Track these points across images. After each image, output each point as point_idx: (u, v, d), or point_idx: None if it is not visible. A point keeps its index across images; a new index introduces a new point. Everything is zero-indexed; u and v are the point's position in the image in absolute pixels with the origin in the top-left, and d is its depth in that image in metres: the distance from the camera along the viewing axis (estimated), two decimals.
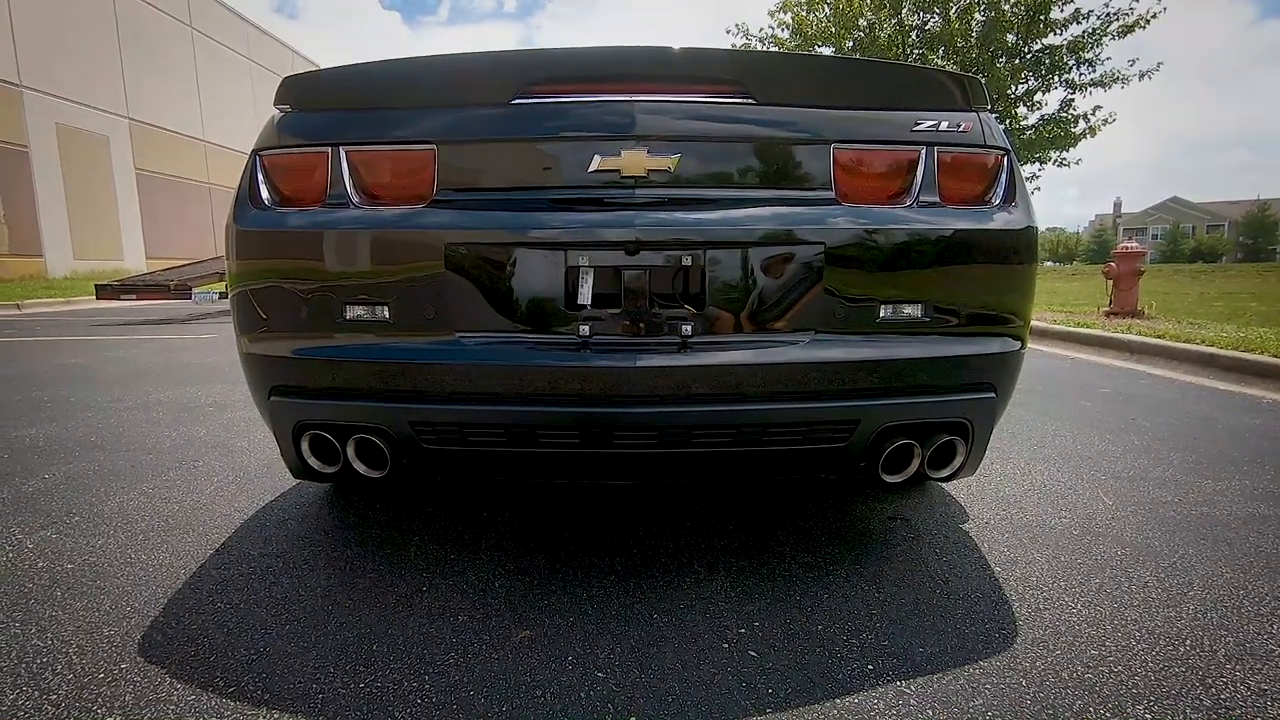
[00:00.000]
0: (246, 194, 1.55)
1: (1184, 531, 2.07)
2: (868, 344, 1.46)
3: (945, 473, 1.60)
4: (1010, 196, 1.56)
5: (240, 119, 25.11)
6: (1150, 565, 1.85)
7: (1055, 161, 15.40)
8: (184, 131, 23.34)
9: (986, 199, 1.55)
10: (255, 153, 1.57)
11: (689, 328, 1.41)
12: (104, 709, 1.26)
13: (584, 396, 1.41)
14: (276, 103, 1.60)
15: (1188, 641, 1.48)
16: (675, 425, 1.43)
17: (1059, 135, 14.99)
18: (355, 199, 1.46)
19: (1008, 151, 1.59)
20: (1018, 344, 1.57)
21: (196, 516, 2.19)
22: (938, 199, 1.50)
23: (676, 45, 1.43)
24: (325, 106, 1.54)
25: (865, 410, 1.46)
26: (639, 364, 1.39)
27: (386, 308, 1.43)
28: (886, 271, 1.46)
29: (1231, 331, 6.13)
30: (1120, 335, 6.11)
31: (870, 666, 1.38)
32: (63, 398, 4.05)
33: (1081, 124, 14.98)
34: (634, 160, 1.38)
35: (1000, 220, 1.52)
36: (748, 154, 1.46)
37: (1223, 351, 5.03)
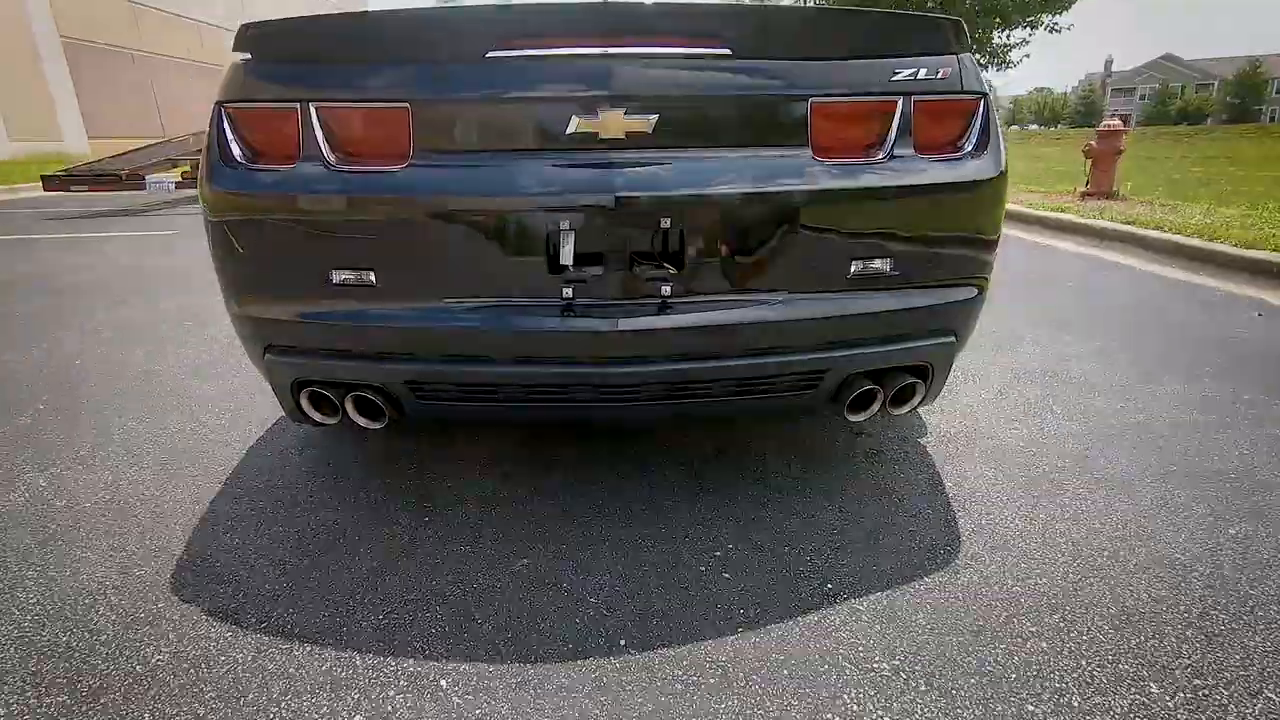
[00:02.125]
0: (216, 150, 1.52)
1: (1120, 441, 2.27)
2: (839, 299, 1.53)
3: (905, 409, 1.73)
4: (983, 143, 1.58)
5: None
6: (1085, 478, 2.05)
7: (1047, 27, 14.71)
8: None
9: (960, 146, 1.57)
10: (219, 104, 1.52)
11: (668, 288, 1.47)
12: (151, 648, 1.41)
13: (567, 357, 1.49)
14: (235, 49, 1.52)
15: (1105, 552, 1.69)
16: (654, 382, 1.52)
17: None
18: (330, 159, 1.44)
19: (984, 95, 1.59)
20: (979, 291, 1.66)
21: (199, 448, 2.29)
22: (912, 150, 1.51)
23: (657, 6, 1.38)
24: (290, 58, 1.47)
25: (834, 360, 1.56)
26: (620, 325, 1.46)
27: (370, 273, 1.46)
28: (860, 227, 1.50)
29: (1199, 216, 6.23)
30: (1092, 221, 6.19)
31: (829, 586, 1.57)
32: (36, 314, 4.01)
33: None
34: (612, 120, 1.37)
35: (972, 170, 1.55)
36: (726, 112, 1.44)
37: (1187, 241, 5.15)
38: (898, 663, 1.35)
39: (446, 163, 1.42)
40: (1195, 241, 5.09)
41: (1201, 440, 2.26)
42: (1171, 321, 3.64)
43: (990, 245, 1.64)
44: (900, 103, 1.50)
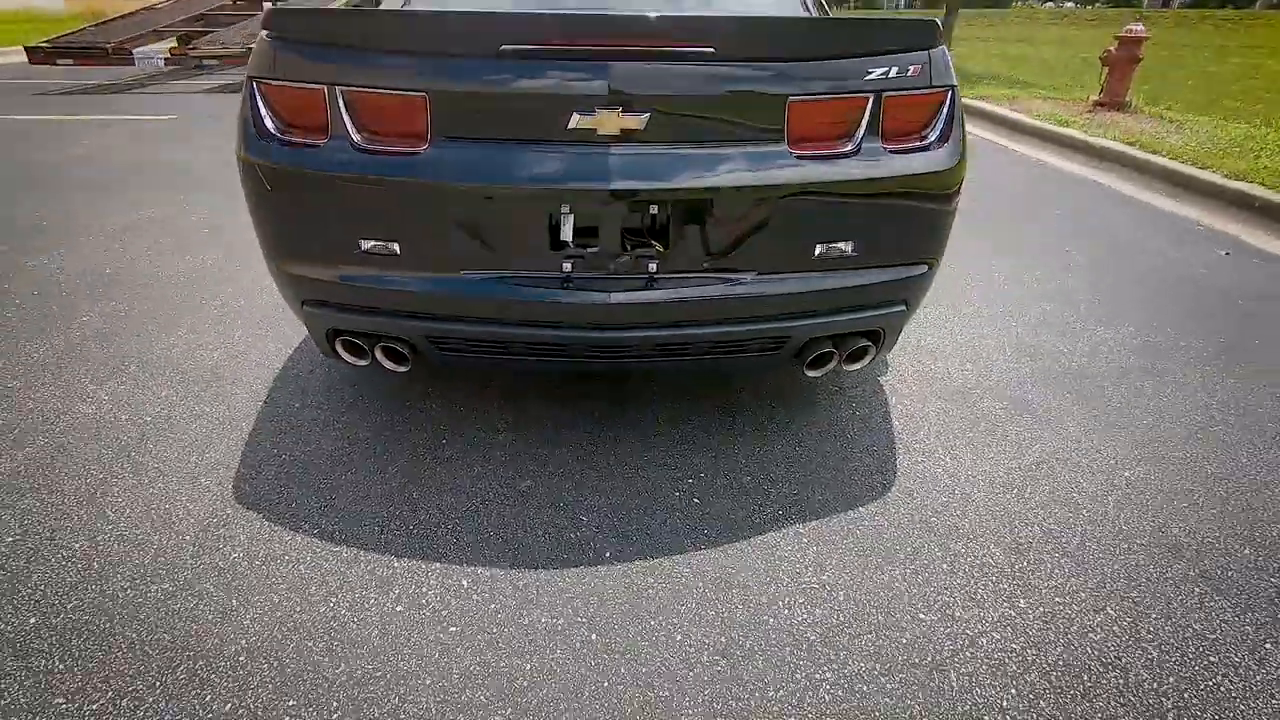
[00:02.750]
0: (250, 122, 1.67)
1: (1059, 385, 2.55)
2: (803, 278, 1.75)
3: (858, 366, 1.99)
4: (946, 133, 1.74)
5: None
6: (1018, 419, 2.35)
7: None
8: None
9: (924, 137, 1.73)
10: (251, 79, 1.67)
11: (655, 266, 1.68)
12: (228, 547, 1.75)
13: (568, 323, 1.73)
14: (264, 28, 1.65)
15: (1014, 490, 2.01)
16: (641, 344, 1.77)
17: None
18: (355, 139, 1.61)
19: (951, 88, 1.73)
20: (930, 267, 1.87)
21: (237, 364, 2.56)
22: (880, 144, 1.67)
23: (651, 13, 1.50)
24: (317, 43, 1.60)
25: (797, 329, 1.80)
26: (612, 297, 1.68)
27: (395, 244, 1.67)
28: (828, 217, 1.69)
29: (1203, 136, 6.21)
30: (1093, 139, 6.17)
31: (781, 512, 1.90)
32: (56, 214, 4.15)
33: None
34: (609, 118, 1.53)
35: (933, 160, 1.71)
36: (711, 111, 1.59)
37: (1180, 167, 5.21)
38: (825, 577, 1.69)
39: (462, 148, 1.59)
40: (1188, 169, 5.15)
41: (1129, 387, 2.54)
42: (1143, 257, 3.82)
43: (944, 228, 1.84)
44: (871, 99, 1.64)
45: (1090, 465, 2.12)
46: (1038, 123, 6.97)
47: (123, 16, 10.34)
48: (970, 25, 32.41)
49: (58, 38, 9.33)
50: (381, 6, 2.29)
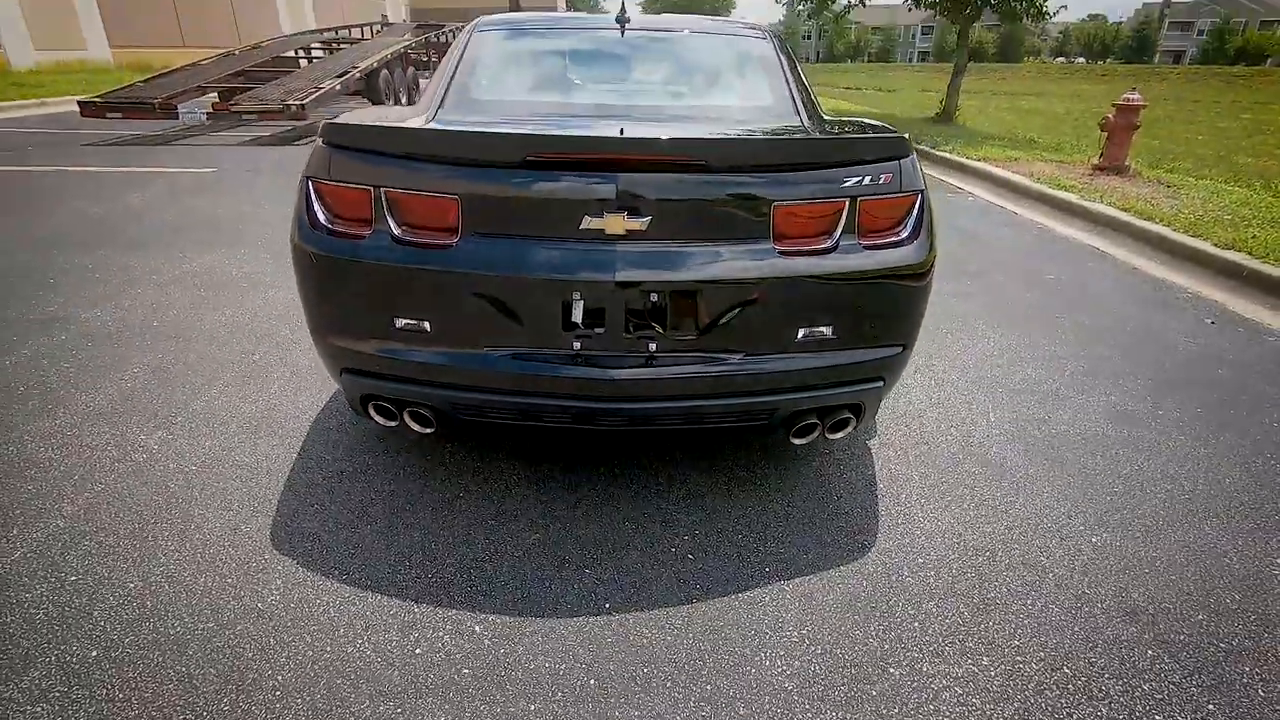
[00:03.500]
0: (305, 215, 1.93)
1: (1036, 451, 2.71)
2: (788, 359, 1.95)
3: (840, 435, 2.18)
4: (915, 233, 1.96)
5: None
6: (997, 484, 2.51)
7: None
8: None
9: (896, 234, 1.95)
10: (307, 178, 1.93)
11: (654, 346, 1.90)
12: (266, 589, 1.94)
13: (577, 395, 1.94)
14: (319, 136, 1.92)
15: (987, 552, 2.16)
16: (642, 415, 1.98)
17: None
18: (396, 232, 1.86)
19: (920, 192, 1.96)
20: (904, 347, 2.07)
21: (273, 418, 2.79)
22: (856, 241, 1.90)
23: (655, 135, 1.76)
24: (368, 151, 1.86)
25: (781, 403, 2.00)
26: (616, 373, 1.90)
27: (426, 323, 1.90)
28: (809, 305, 1.90)
29: (1198, 203, 6.42)
30: (1090, 205, 6.39)
31: (768, 569, 2.07)
32: (103, 267, 4.47)
33: None
34: (615, 222, 1.77)
35: (904, 255, 1.93)
36: (705, 215, 1.83)
37: (1172, 235, 5.40)
38: (805, 631, 1.85)
39: (487, 243, 1.83)
40: (1179, 236, 5.34)
41: (1103, 455, 2.70)
42: (1131, 325, 3.99)
43: (916, 314, 2.04)
44: (847, 203, 1.87)
45: (1060, 530, 2.27)
46: (1039, 187, 7.22)
47: (170, 72, 10.99)
48: (983, 79, 33.17)
49: (109, 93, 9.93)
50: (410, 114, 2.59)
